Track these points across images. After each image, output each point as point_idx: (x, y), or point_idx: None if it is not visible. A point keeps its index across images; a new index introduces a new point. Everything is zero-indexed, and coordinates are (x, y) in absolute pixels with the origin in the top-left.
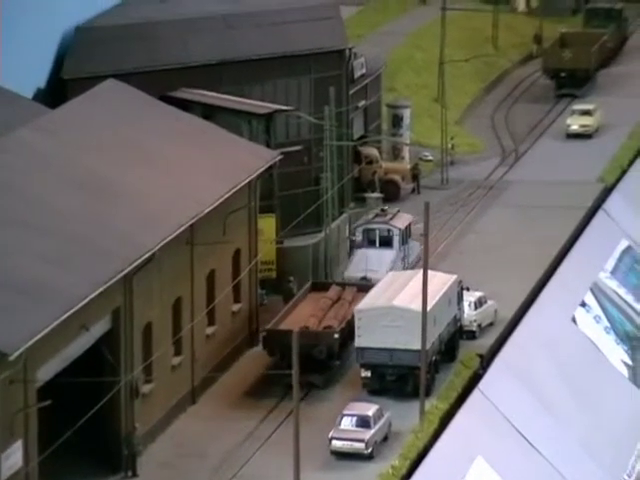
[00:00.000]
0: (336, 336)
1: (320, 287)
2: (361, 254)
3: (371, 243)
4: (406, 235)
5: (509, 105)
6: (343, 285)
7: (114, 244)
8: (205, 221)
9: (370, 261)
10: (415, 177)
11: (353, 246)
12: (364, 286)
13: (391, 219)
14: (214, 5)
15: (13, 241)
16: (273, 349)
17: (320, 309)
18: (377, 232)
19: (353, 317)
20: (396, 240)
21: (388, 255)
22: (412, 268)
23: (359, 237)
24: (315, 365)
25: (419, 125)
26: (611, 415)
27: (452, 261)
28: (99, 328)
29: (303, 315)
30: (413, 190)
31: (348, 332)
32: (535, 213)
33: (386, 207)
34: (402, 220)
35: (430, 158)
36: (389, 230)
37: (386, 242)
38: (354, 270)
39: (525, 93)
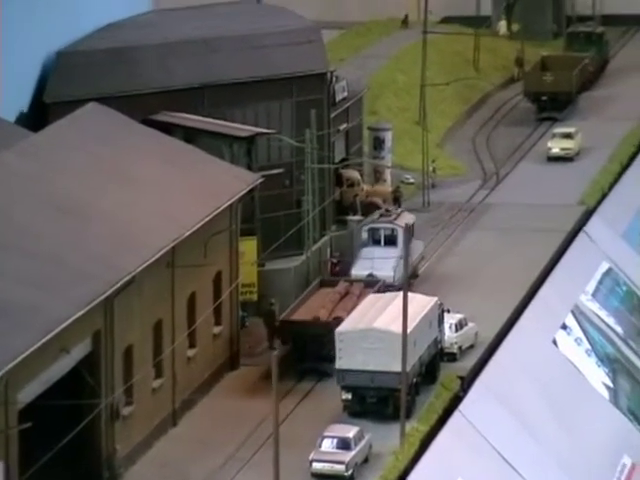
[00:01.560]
0: None
1: (328, 283)
2: (367, 252)
3: (376, 242)
4: (410, 233)
5: (490, 128)
6: (351, 281)
7: (95, 266)
8: (186, 244)
9: (375, 259)
10: (396, 200)
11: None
12: (370, 282)
13: (395, 218)
14: (195, 29)
15: None
16: (286, 338)
17: (330, 302)
18: (382, 231)
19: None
20: (400, 238)
21: (393, 253)
22: (415, 267)
23: (364, 236)
24: (326, 353)
25: (401, 148)
26: (591, 437)
27: (433, 283)
28: (80, 351)
29: (314, 307)
30: None
31: None
32: (516, 236)
33: (390, 207)
34: (406, 219)
35: (411, 181)
36: (393, 229)
37: (391, 241)
38: (360, 268)
39: (506, 116)
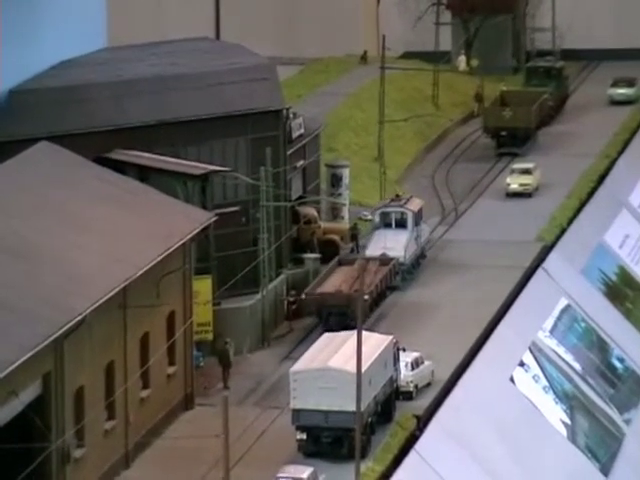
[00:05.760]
0: (366, 297)
1: (346, 262)
2: (379, 234)
3: (387, 225)
4: (418, 217)
5: (449, 164)
6: (367, 259)
7: (44, 308)
8: (138, 284)
9: (387, 240)
10: (354, 237)
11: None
12: (384, 260)
13: (405, 203)
14: (150, 66)
15: None
16: (311, 310)
17: (350, 277)
18: (393, 215)
19: (381, 282)
20: (410, 222)
21: (403, 235)
22: (423, 248)
23: (377, 219)
24: (347, 323)
25: (358, 185)
26: (550, 475)
27: (390, 321)
28: (29, 393)
29: (335, 282)
30: (352, 250)
31: (377, 295)
32: (474, 272)
33: (400, 193)
34: (415, 204)
35: (369, 218)
36: (403, 213)
37: (401, 224)
38: (374, 249)
39: (465, 152)
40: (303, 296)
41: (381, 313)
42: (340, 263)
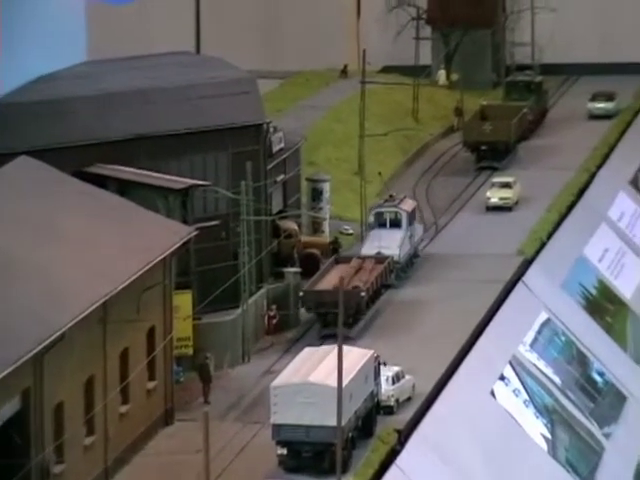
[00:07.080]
0: (363, 294)
1: (343, 261)
2: (374, 234)
3: (382, 225)
4: (412, 217)
5: (429, 178)
6: (363, 258)
7: (23, 323)
8: (118, 299)
9: (382, 239)
10: (335, 251)
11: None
12: (380, 258)
13: (399, 203)
14: (131, 80)
15: None
16: (310, 307)
17: (347, 275)
18: (387, 215)
19: (376, 280)
20: (404, 221)
21: (397, 234)
22: (416, 248)
23: (372, 219)
24: (346, 319)
25: (339, 199)
26: None
27: (371, 335)
28: (8, 410)
29: (333, 279)
30: None
31: (373, 292)
32: (454, 286)
33: (394, 193)
34: (408, 204)
35: (350, 232)
36: (397, 213)
37: (395, 223)
38: (369, 248)
39: (446, 166)
40: (301, 293)
41: (377, 310)
42: (337, 261)
